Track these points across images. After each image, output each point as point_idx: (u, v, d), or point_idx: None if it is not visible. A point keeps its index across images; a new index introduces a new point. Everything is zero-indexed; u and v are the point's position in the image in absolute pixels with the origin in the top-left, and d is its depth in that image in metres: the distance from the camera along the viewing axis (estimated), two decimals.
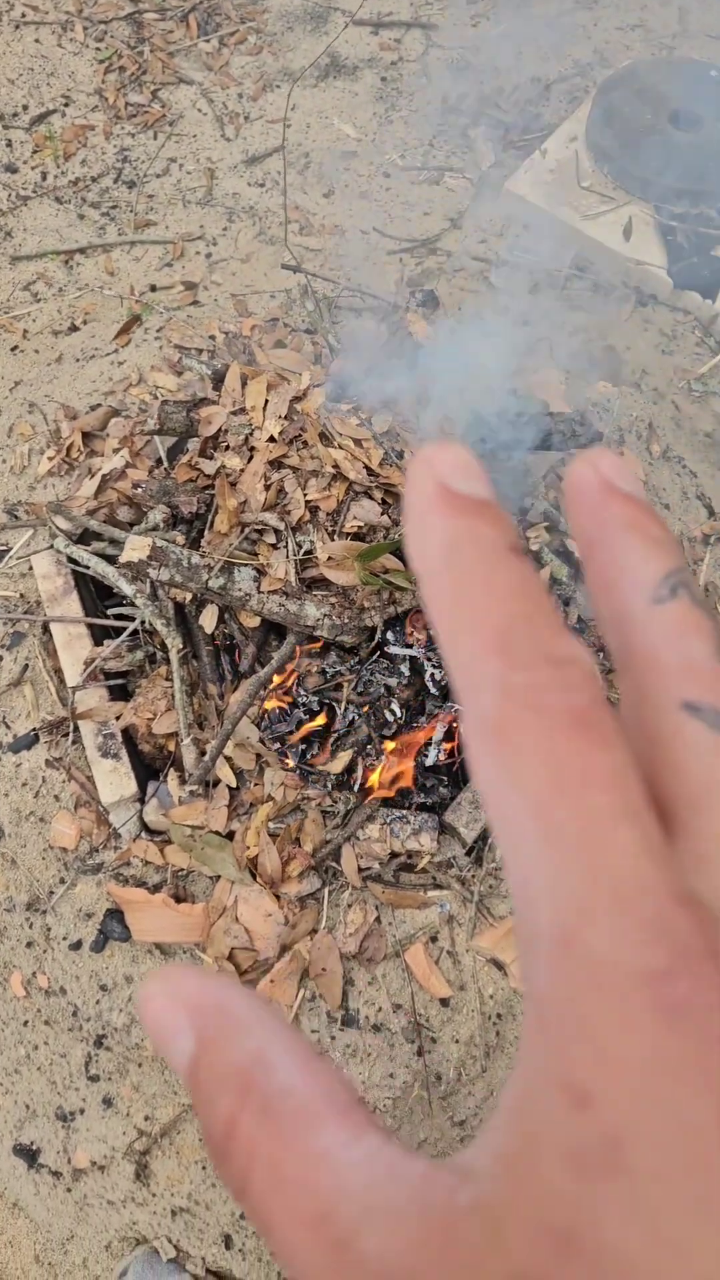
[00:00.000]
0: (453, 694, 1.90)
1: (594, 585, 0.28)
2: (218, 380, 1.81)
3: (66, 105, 3.49)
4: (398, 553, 1.64)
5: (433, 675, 1.81)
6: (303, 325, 2.46)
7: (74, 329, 2.87)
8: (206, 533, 1.71)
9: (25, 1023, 1.99)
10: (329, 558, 1.60)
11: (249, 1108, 0.23)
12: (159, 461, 1.96)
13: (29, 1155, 2.02)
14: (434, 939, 1.85)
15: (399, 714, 1.81)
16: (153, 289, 2.96)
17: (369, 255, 3.09)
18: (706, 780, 0.24)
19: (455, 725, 1.86)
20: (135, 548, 1.58)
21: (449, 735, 1.90)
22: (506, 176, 3.29)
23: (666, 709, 0.25)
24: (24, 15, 3.63)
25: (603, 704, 0.23)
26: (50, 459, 2.15)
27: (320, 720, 1.79)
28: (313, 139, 3.42)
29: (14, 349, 2.85)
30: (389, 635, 1.78)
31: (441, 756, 1.90)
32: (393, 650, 1.76)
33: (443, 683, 1.82)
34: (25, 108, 3.46)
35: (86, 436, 2.16)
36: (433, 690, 1.83)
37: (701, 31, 3.78)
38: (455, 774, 1.94)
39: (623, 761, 0.23)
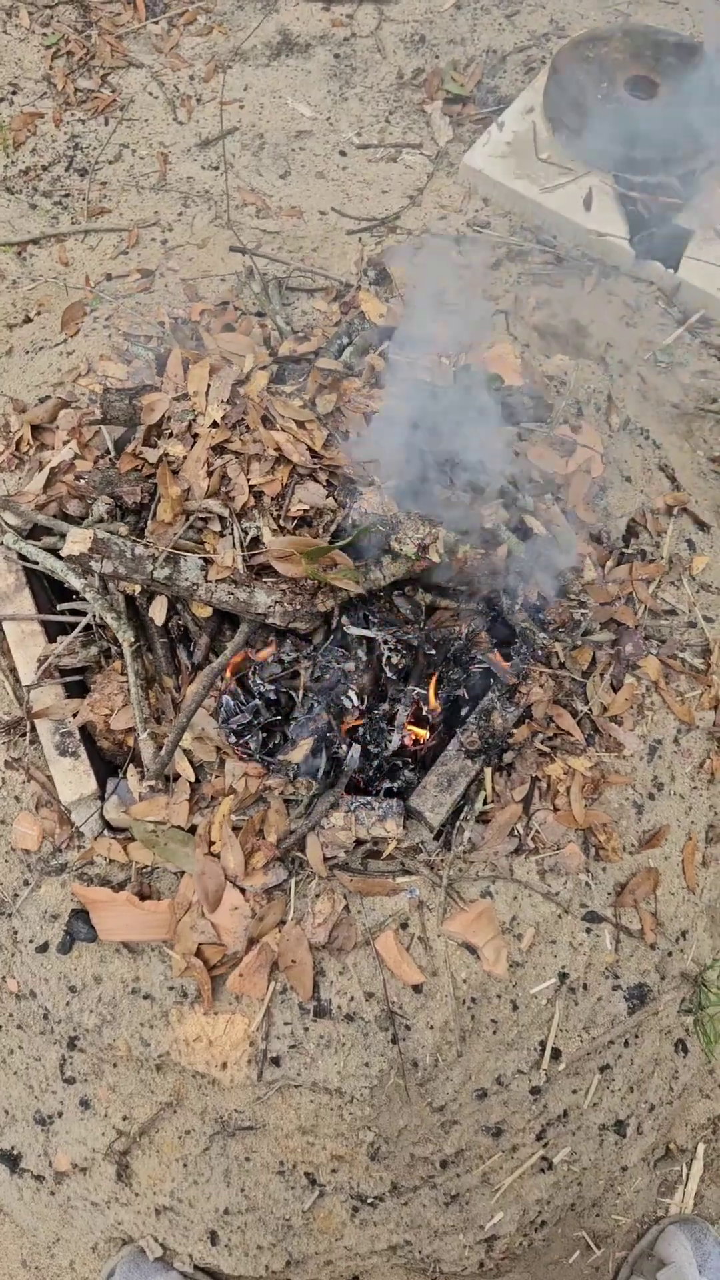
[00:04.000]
0: (412, 677, 1.87)
1: None
2: (161, 366, 1.77)
3: (14, 93, 3.43)
4: (346, 548, 1.60)
5: (389, 659, 1.78)
6: (253, 308, 2.41)
7: (28, 320, 2.82)
8: (150, 522, 1.68)
9: None
10: (278, 555, 1.57)
11: None
12: (106, 452, 1.92)
13: (10, 1160, 2.00)
14: (404, 925, 1.82)
15: (356, 701, 1.78)
16: (108, 278, 2.92)
17: (328, 236, 3.05)
18: None
19: (421, 708, 1.83)
20: (76, 541, 1.55)
21: (417, 721, 1.88)
22: (464, 151, 3.24)
23: None
24: None
25: None
26: None
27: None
28: (266, 119, 3.37)
29: None
30: (344, 618, 1.75)
31: (408, 741, 1.88)
32: (350, 630, 1.73)
33: (400, 666, 1.79)
34: None
35: (36, 429, 2.12)
36: (389, 675, 1.80)
37: None
38: (420, 759, 1.92)
39: None
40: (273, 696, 1.78)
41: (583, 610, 1.90)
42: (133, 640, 1.72)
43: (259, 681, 1.75)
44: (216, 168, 3.27)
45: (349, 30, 3.59)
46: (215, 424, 1.67)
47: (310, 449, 1.65)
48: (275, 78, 3.48)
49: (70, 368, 2.31)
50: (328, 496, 1.63)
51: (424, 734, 1.91)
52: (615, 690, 1.95)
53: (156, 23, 3.58)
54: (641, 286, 3.05)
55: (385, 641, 1.76)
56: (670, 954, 1.98)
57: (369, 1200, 1.89)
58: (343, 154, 3.33)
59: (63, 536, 1.88)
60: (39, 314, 2.83)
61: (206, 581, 1.62)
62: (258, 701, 1.77)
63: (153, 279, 2.87)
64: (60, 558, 1.74)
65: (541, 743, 1.88)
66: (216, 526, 1.64)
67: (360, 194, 3.23)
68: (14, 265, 3.07)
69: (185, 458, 1.64)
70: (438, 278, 2.79)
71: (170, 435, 1.69)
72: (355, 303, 2.18)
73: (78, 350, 2.38)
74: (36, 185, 3.26)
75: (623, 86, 3.22)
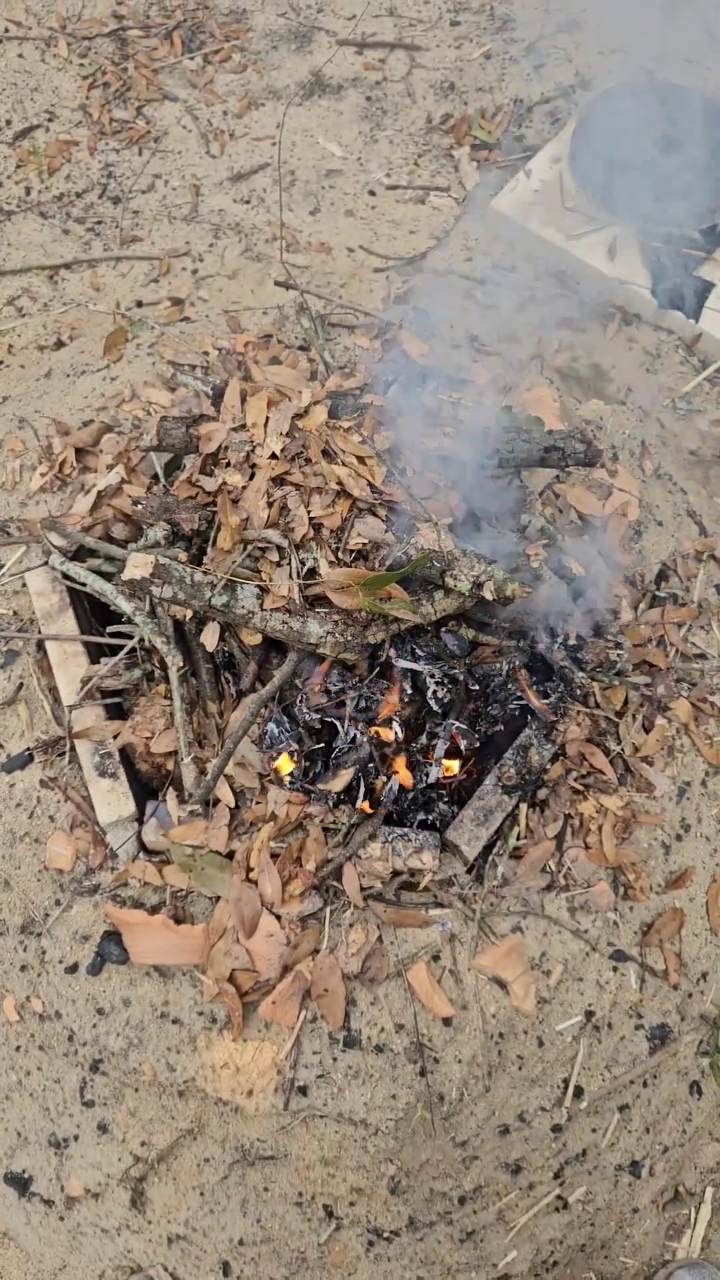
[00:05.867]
0: (454, 711, 1.89)
1: None
2: (217, 397, 1.80)
3: (50, 120, 3.47)
4: (403, 581, 1.63)
5: (434, 693, 1.80)
6: (297, 342, 2.45)
7: (60, 344, 2.85)
8: (209, 550, 1.70)
9: (17, 1048, 1.95)
10: (335, 586, 1.59)
11: None
12: (155, 478, 1.94)
13: (20, 1184, 1.98)
14: (436, 958, 1.83)
15: (399, 732, 1.80)
16: (139, 305, 2.95)
17: (355, 273, 3.10)
18: None
19: (458, 742, 1.86)
20: (138, 565, 1.57)
21: (451, 753, 1.90)
22: (491, 196, 3.31)
23: None
24: (6, 30, 3.61)
25: None
26: (43, 475, 2.13)
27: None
28: (299, 157, 3.43)
29: (0, 363, 2.83)
30: (393, 650, 1.77)
31: (442, 774, 1.89)
32: (400, 664, 1.75)
33: (445, 700, 1.81)
34: (8, 122, 3.45)
35: (79, 453, 2.14)
36: (434, 707, 1.82)
37: (681, 57, 3.82)
38: (456, 791, 1.93)
39: None
40: (317, 725, 1.79)
41: (619, 651, 1.94)
42: (180, 665, 1.74)
43: (304, 710, 1.77)
44: (248, 201, 3.32)
45: (381, 74, 3.66)
46: (275, 456, 1.70)
47: (371, 484, 1.68)
48: (307, 117, 3.54)
49: (114, 393, 2.33)
50: (386, 531, 1.66)
51: (454, 768, 1.93)
52: (647, 731, 1.98)
53: (192, 58, 3.65)
54: (662, 335, 3.11)
55: (432, 675, 1.79)
56: (691, 995, 2.00)
57: (385, 1234, 1.89)
58: (372, 194, 3.39)
59: (109, 559, 1.90)
60: (71, 338, 2.86)
61: (262, 610, 1.64)
62: (301, 730, 1.78)
63: (184, 307, 2.92)
64: (110, 579, 1.76)
65: (575, 780, 1.91)
66: (274, 556, 1.66)
67: (388, 233, 3.29)
68: (45, 288, 3.10)
69: (245, 488, 1.67)
70: (469, 319, 2.84)
71: (228, 465, 1.71)
72: (396, 340, 2.22)
73: (121, 376, 2.41)
74: (69, 211, 3.29)
75: (649, 141, 3.31)
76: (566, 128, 3.43)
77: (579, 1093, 1.90)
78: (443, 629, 1.83)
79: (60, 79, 3.56)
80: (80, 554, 1.96)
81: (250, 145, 3.46)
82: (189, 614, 1.74)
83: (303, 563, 1.65)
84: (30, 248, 3.20)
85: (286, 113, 3.52)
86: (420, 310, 2.51)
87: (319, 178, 3.40)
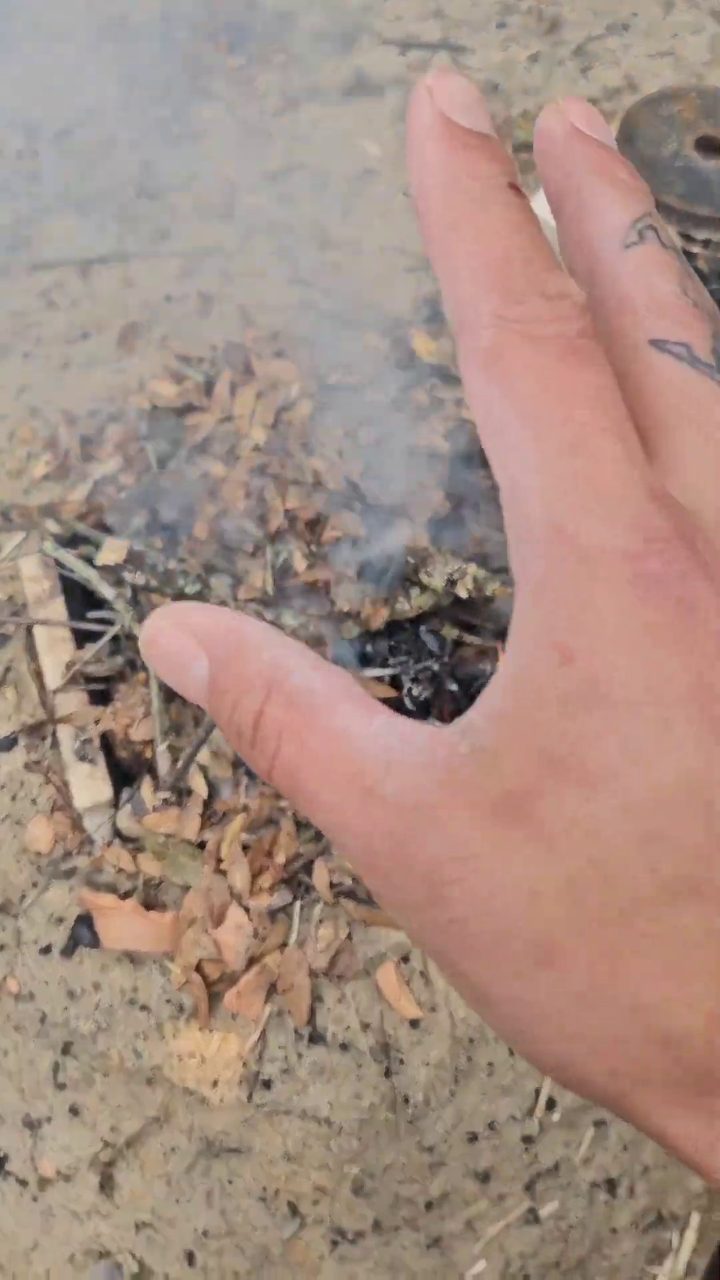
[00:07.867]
0: (432, 711, 1.88)
1: (566, 238, 0.30)
2: (209, 388, 1.82)
3: (91, 118, 3.53)
4: (379, 578, 1.63)
5: (409, 691, 1.79)
6: (305, 337, 2.46)
7: (85, 337, 2.89)
8: (185, 539, 1.71)
9: None
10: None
11: (274, 700, 0.28)
12: (148, 467, 1.96)
13: None
14: (405, 959, 1.82)
15: None
16: (168, 299, 2.98)
17: (386, 272, 3.10)
18: (675, 406, 0.27)
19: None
20: (112, 551, 1.58)
21: None
22: (530, 197, 3.30)
23: (638, 347, 0.28)
24: (51, 30, 3.68)
25: (592, 334, 0.26)
26: (46, 463, 2.17)
27: None
28: (335, 156, 3.44)
29: (26, 355, 2.88)
30: (368, 649, 1.76)
31: None
32: (366, 672, 1.75)
33: (421, 699, 1.80)
34: (51, 120, 3.51)
35: (84, 442, 2.17)
36: (410, 707, 1.81)
37: None
38: None
39: (608, 383, 0.26)
40: None
41: None
42: None
43: None
44: (282, 200, 3.34)
45: (423, 75, 3.66)
46: (258, 447, 1.70)
47: (348, 478, 1.68)
48: (346, 117, 3.55)
49: (122, 385, 2.36)
50: (361, 525, 1.66)
51: None
52: None
53: (235, 58, 3.68)
54: None
55: (407, 673, 1.78)
56: None
57: (350, 1236, 1.87)
58: (406, 195, 3.38)
59: (98, 546, 1.92)
60: (97, 331, 2.90)
61: (236, 600, 1.65)
62: None
63: (211, 303, 2.94)
64: (95, 566, 1.78)
65: None
66: (249, 548, 1.67)
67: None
68: (77, 283, 3.14)
69: (225, 479, 1.68)
70: None
71: (212, 455, 1.73)
72: (406, 338, 2.22)
73: (131, 369, 2.44)
74: (106, 207, 3.34)
75: (691, 145, 3.26)
76: (610, 130, 3.40)
77: (551, 1104, 1.87)
78: (423, 627, 1.82)
79: (103, 79, 3.61)
80: (75, 540, 1.98)
81: (288, 145, 3.48)
82: (169, 602, 1.75)
83: (277, 554, 1.65)
84: (65, 242, 3.25)
85: (318, 110, 3.54)
86: (438, 309, 2.50)
87: (354, 177, 3.41)
